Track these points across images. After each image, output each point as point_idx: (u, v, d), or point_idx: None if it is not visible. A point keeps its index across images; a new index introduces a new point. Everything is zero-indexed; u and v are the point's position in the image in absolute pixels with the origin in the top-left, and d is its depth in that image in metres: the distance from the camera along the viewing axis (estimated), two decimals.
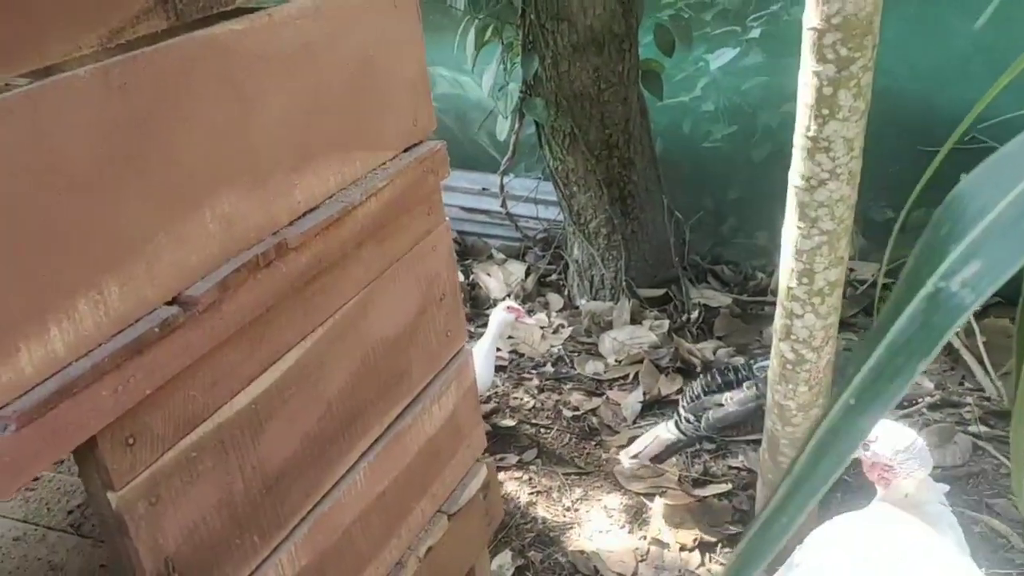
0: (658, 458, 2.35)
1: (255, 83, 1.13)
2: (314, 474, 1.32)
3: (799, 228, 1.49)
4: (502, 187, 3.40)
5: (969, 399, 2.58)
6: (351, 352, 1.38)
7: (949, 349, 2.80)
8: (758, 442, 2.33)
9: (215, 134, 1.08)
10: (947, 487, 1.58)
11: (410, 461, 1.53)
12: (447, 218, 1.60)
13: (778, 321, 1.66)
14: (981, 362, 2.67)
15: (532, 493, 2.44)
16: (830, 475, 0.44)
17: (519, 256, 3.61)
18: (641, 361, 2.88)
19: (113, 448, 1.00)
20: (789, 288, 1.59)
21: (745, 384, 2.27)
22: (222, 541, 1.16)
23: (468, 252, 3.69)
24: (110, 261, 0.96)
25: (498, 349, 2.89)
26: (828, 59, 1.33)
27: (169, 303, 1.04)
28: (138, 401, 1.01)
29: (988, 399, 2.59)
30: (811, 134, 1.40)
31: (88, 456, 1.00)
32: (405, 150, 1.46)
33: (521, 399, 2.81)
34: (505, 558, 2.19)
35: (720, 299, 3.17)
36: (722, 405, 2.27)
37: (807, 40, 1.35)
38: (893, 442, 1.51)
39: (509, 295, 3.30)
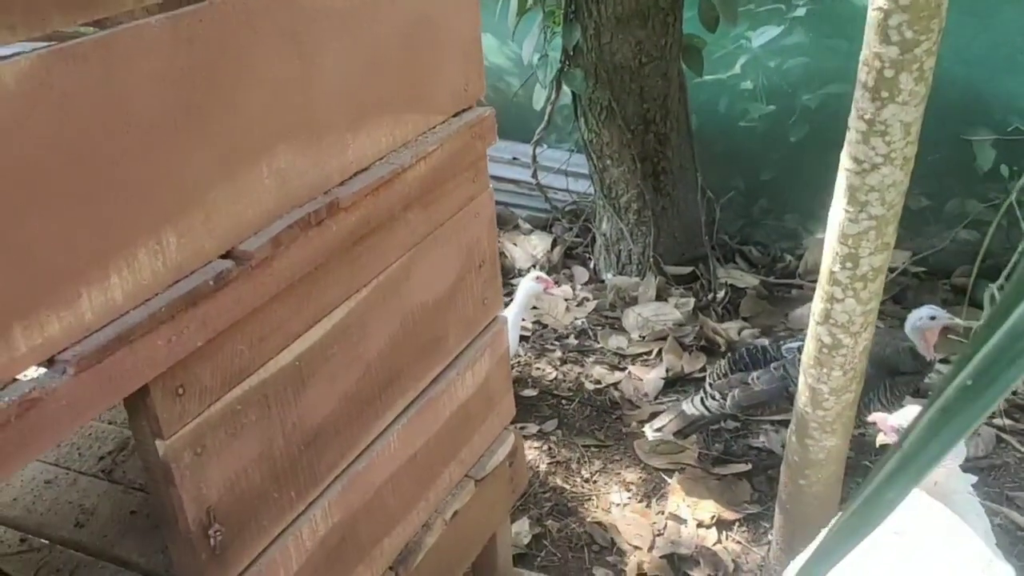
0: (681, 432, 2.35)
1: (316, 37, 1.12)
2: (351, 433, 1.33)
3: (847, 212, 1.48)
4: (534, 157, 3.37)
5: None
6: (392, 314, 1.38)
7: None
8: (781, 423, 2.34)
9: (275, 88, 1.07)
10: (975, 477, 1.58)
11: (442, 425, 1.54)
12: (491, 186, 1.60)
13: (817, 304, 1.65)
14: None
15: (551, 463, 2.45)
16: (940, 455, 0.44)
17: (546, 227, 3.60)
18: (665, 338, 2.87)
19: (164, 397, 1.01)
20: (831, 272, 1.58)
21: (772, 365, 2.27)
22: (261, 494, 1.17)
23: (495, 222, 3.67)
24: (171, 211, 0.96)
25: (523, 319, 2.89)
26: (892, 40, 1.30)
27: (224, 256, 1.04)
28: (190, 352, 1.01)
29: (1015, 393, 2.57)
30: (868, 116, 1.38)
31: (139, 404, 1.01)
32: (455, 115, 1.45)
33: (543, 370, 2.81)
34: (523, 525, 2.20)
35: (747, 280, 3.15)
36: (748, 384, 2.26)
37: (871, 20, 1.33)
38: None
39: (535, 266, 3.29)
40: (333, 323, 1.26)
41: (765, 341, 2.39)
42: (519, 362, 2.82)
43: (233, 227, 1.06)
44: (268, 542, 1.19)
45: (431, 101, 1.39)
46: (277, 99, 1.08)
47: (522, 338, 2.86)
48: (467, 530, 1.65)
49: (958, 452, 1.52)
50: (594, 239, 3.34)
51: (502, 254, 3.41)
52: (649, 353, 2.86)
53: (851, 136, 1.45)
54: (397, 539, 1.46)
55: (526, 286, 2.51)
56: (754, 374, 2.27)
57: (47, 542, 1.62)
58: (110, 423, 1.82)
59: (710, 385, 2.34)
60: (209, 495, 1.08)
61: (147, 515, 1.51)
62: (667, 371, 2.74)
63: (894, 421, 1.55)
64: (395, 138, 1.32)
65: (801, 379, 1.79)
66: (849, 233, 1.50)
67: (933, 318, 2.14)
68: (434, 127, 1.41)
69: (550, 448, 2.50)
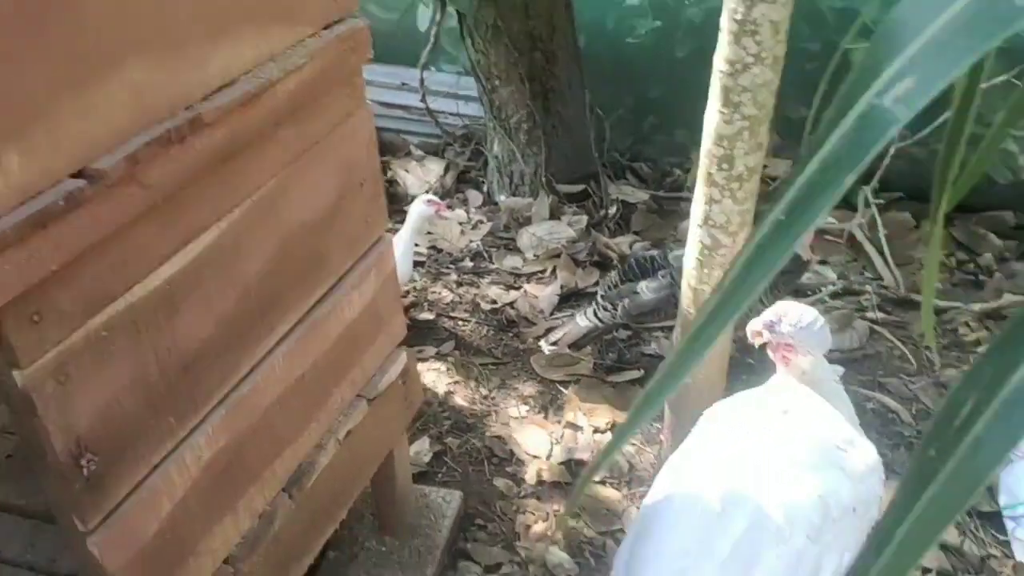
0: (576, 345, 2.40)
1: None
2: (231, 357, 1.30)
3: (721, 113, 1.51)
4: (422, 81, 3.31)
5: (869, 288, 2.71)
6: (269, 235, 1.35)
7: (852, 242, 2.92)
8: (671, 329, 2.42)
9: None
10: (842, 369, 1.67)
11: (329, 347, 1.52)
12: (369, 102, 1.56)
13: (696, 208, 1.70)
14: (881, 253, 2.80)
15: (450, 383, 2.47)
16: (758, 287, 0.46)
17: (438, 153, 3.56)
18: (559, 255, 2.91)
19: (18, 324, 0.96)
20: (709, 174, 1.62)
21: (660, 272, 2.33)
22: (136, 422, 1.14)
23: (386, 148, 3.61)
24: (9, 129, 0.91)
25: (416, 244, 2.87)
26: None
27: (75, 175, 0.99)
28: (44, 277, 0.97)
29: (886, 288, 2.72)
30: (739, 17, 1.40)
31: None
32: (326, 27, 1.40)
33: (439, 293, 2.82)
34: (423, 444, 2.23)
35: (638, 195, 3.20)
36: (637, 293, 2.32)
37: None
38: (795, 319, 1.58)
39: (428, 191, 3.26)
40: (204, 245, 1.22)
41: (654, 251, 2.44)
42: (415, 287, 2.82)
43: (83, 145, 1.00)
44: (148, 470, 1.17)
45: (300, 12, 1.34)
46: (126, 6, 1.02)
47: (417, 263, 2.85)
48: (362, 449, 1.66)
49: (824, 340, 1.60)
50: (486, 162, 3.33)
51: (394, 181, 3.37)
52: (544, 271, 2.90)
53: (723, 38, 1.47)
54: (289, 461, 1.46)
55: (417, 209, 2.49)
56: (643, 283, 2.33)
57: None
58: None
59: (602, 296, 2.40)
60: (78, 424, 1.05)
61: (24, 457, 1.46)
62: (561, 287, 2.78)
63: (757, 324, 1.62)
64: (261, 51, 1.27)
65: (684, 281, 1.84)
66: (724, 134, 1.53)
67: None
68: (303, 40, 1.36)
69: (448, 369, 2.52)
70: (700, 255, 1.76)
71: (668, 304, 2.32)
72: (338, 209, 1.50)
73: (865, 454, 1.52)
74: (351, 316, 1.57)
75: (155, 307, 1.15)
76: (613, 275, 2.42)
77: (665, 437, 2.16)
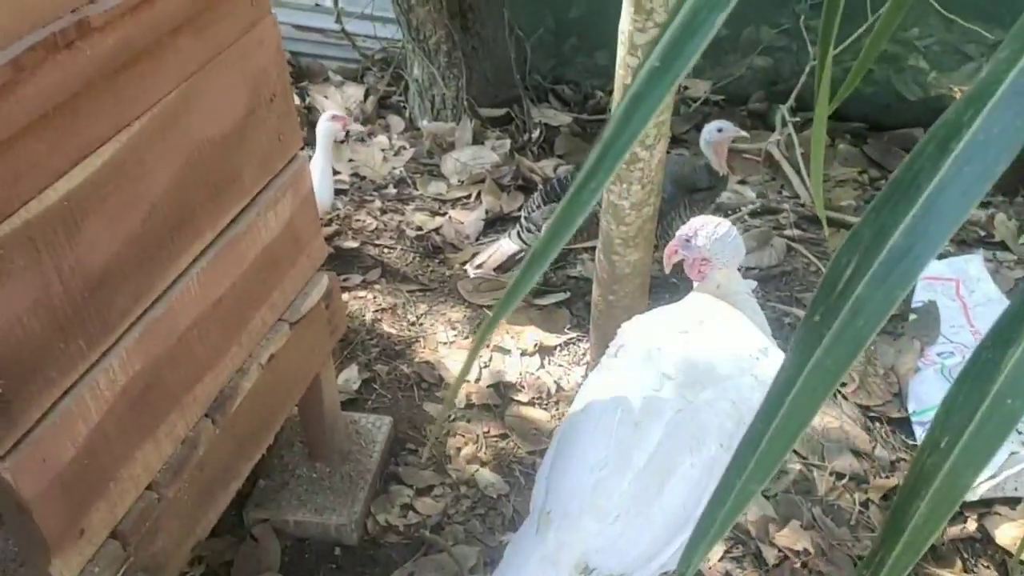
0: (502, 268, 2.40)
1: None
2: (142, 278, 1.26)
3: (635, 21, 1.49)
4: (336, 1, 3.20)
5: (786, 206, 2.76)
6: (174, 151, 1.29)
7: (770, 160, 2.96)
8: (595, 250, 2.43)
9: None
10: (755, 283, 1.71)
11: (247, 269, 1.48)
12: (274, 12, 1.49)
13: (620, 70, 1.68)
14: (799, 172, 2.85)
15: (377, 311, 2.45)
16: (636, 134, 0.46)
17: (357, 78, 3.46)
18: (483, 180, 2.88)
19: None
20: (624, 86, 1.60)
21: None
22: (43, 345, 1.10)
23: (303, 74, 3.50)
24: None
25: (337, 172, 2.81)
26: None
27: None
28: None
29: (803, 206, 2.78)
30: None
31: None
32: None
33: (363, 221, 2.77)
34: (352, 372, 2.22)
35: (561, 118, 3.18)
36: None
37: None
38: (710, 232, 1.60)
39: (350, 117, 3.17)
40: (104, 160, 1.16)
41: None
42: (338, 215, 2.77)
43: None
44: (60, 394, 1.13)
45: None
46: None
47: (339, 191, 2.80)
48: (285, 373, 1.64)
49: (738, 252, 1.62)
50: (407, 87, 3.26)
51: (313, 108, 3.27)
52: (468, 196, 2.87)
53: None
54: (210, 385, 1.43)
55: (323, 127, 2.43)
56: None
57: None
58: None
59: (526, 218, 2.39)
60: None
61: None
62: (486, 212, 2.76)
63: (673, 243, 1.64)
64: None
65: (604, 198, 1.85)
66: (638, 43, 1.52)
67: (720, 130, 2.24)
68: None
69: (375, 296, 2.49)
70: (618, 170, 1.76)
71: (590, 224, 2.33)
72: (247, 125, 1.45)
73: (777, 361, 1.55)
74: (268, 237, 1.53)
75: (54, 224, 1.09)
76: (536, 196, 2.41)
77: (590, 356, 2.19)
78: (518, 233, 2.38)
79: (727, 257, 1.62)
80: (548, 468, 1.54)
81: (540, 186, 2.43)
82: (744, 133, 2.25)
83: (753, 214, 2.76)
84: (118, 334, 1.22)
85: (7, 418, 1.06)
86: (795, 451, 1.94)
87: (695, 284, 1.69)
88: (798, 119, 2.97)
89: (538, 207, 2.37)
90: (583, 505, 1.38)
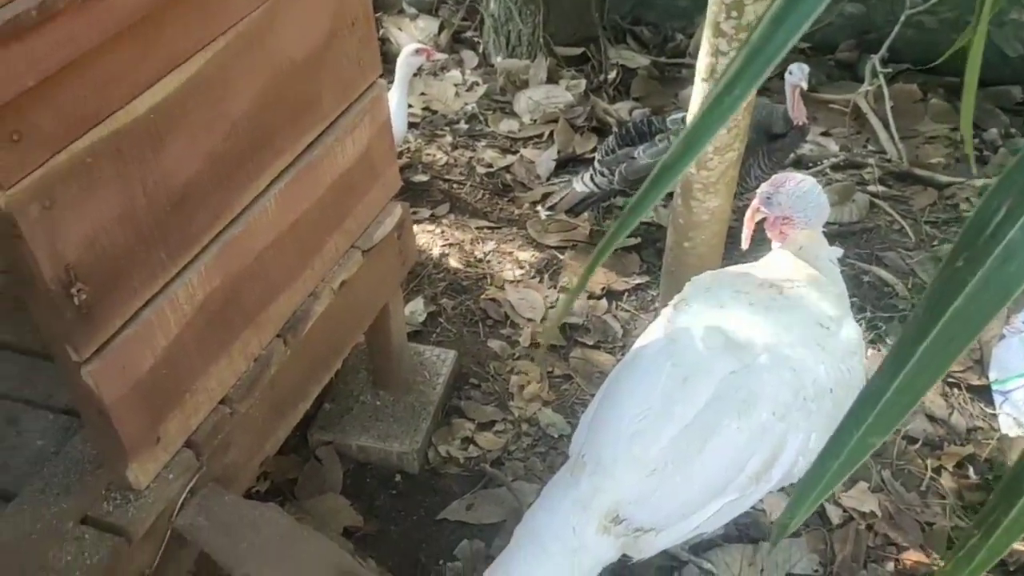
0: (572, 210, 2.37)
1: None
2: (222, 196, 1.26)
3: None
4: None
5: (871, 160, 2.66)
6: (257, 70, 1.29)
7: (857, 113, 2.85)
8: (669, 195, 2.38)
9: None
10: (840, 250, 1.63)
11: (323, 193, 1.48)
12: None
13: (702, 60, 1.63)
14: (887, 126, 2.73)
15: (444, 246, 2.45)
16: (791, 37, 0.42)
17: (432, 11, 3.41)
18: (556, 120, 2.83)
19: None
20: (717, 24, 1.54)
21: (657, 137, 2.27)
22: (127, 254, 1.11)
23: (378, 5, 3.46)
24: None
25: (409, 106, 2.79)
26: None
27: None
28: (21, 92, 0.92)
29: (889, 161, 2.68)
30: None
31: None
32: None
33: (434, 155, 2.75)
34: (417, 305, 2.22)
35: (638, 60, 3.10)
36: (634, 158, 2.27)
37: None
38: (792, 188, 1.53)
39: None
40: (188, 75, 1.16)
41: (653, 117, 2.37)
42: (409, 148, 2.76)
43: None
44: (141, 304, 1.15)
45: None
46: None
47: (411, 124, 2.78)
48: (356, 300, 1.65)
49: (821, 212, 1.56)
50: (482, 21, 3.20)
51: (387, 40, 3.24)
52: (541, 136, 2.83)
53: None
54: (283, 306, 1.44)
55: (405, 60, 2.40)
56: (640, 147, 2.28)
57: None
58: None
59: (599, 162, 2.34)
60: (66, 252, 1.02)
61: (13, 296, 1.44)
62: (558, 152, 2.72)
63: (755, 203, 1.58)
64: None
65: None
66: None
67: (791, 73, 2.14)
68: None
69: (443, 231, 2.49)
70: None
71: None
72: (329, 48, 1.43)
73: (849, 336, 1.46)
74: (345, 163, 1.53)
75: (140, 136, 1.10)
76: (610, 140, 2.36)
77: (660, 303, 2.16)
78: (591, 176, 2.33)
79: (810, 217, 1.55)
80: (592, 412, 1.52)
81: (615, 129, 2.37)
82: (803, 85, 2.13)
83: (835, 167, 2.66)
84: (198, 249, 1.24)
85: (91, 324, 1.08)
86: None
87: (774, 245, 1.63)
88: (889, 71, 2.84)
89: (612, 151, 2.32)
90: (618, 453, 1.35)
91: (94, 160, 1.04)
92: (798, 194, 1.55)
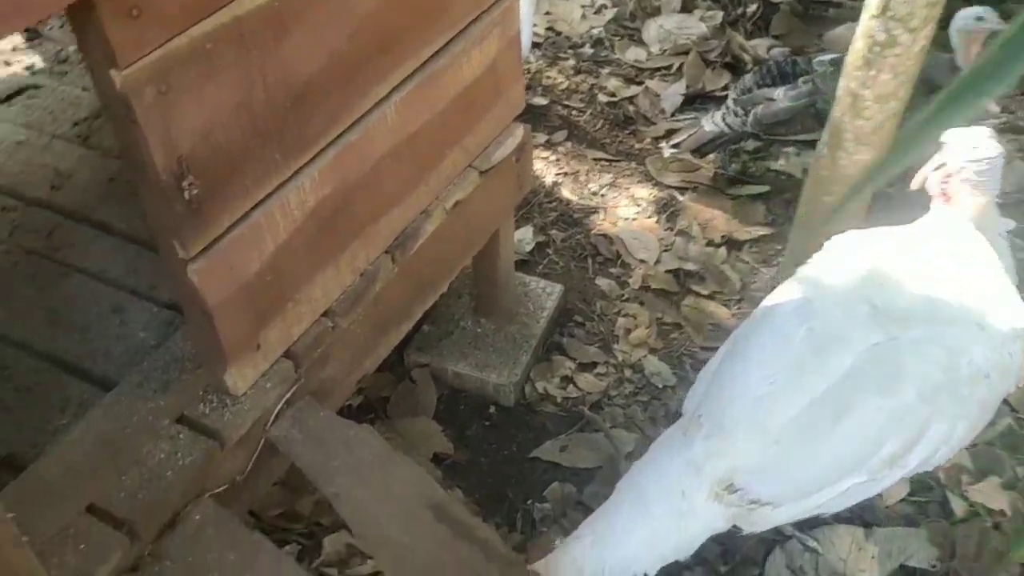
0: (698, 151, 2.22)
1: None
2: (342, 98, 1.19)
3: None
4: None
5: None
6: None
7: None
8: (805, 144, 2.20)
9: None
10: (1012, 222, 1.45)
11: (445, 106, 1.39)
12: None
13: None
14: None
15: (559, 175, 2.34)
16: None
17: None
18: (687, 53, 2.66)
19: (114, 16, 0.86)
20: None
21: (801, 79, 2.09)
22: (241, 151, 1.05)
23: None
24: None
25: (534, 24, 2.65)
26: None
27: None
28: None
29: None
30: None
31: (87, 25, 0.86)
32: None
33: (555, 79, 2.63)
34: (526, 233, 2.14)
35: None
36: (773, 100, 2.10)
37: None
38: (972, 148, 1.35)
39: None
40: None
41: (797, 57, 2.18)
42: (529, 68, 2.63)
43: None
44: (251, 205, 1.10)
45: None
46: None
47: (534, 44, 2.65)
48: (468, 222, 1.57)
49: (995, 180, 1.37)
50: None
51: None
52: (669, 68, 2.66)
53: None
54: (394, 221, 1.37)
55: None
56: (780, 89, 2.10)
57: (20, 202, 1.53)
58: (84, 89, 1.67)
59: (733, 100, 2.18)
60: (180, 142, 0.96)
61: (127, 181, 1.41)
62: (687, 87, 2.56)
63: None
64: None
65: (842, 83, 1.62)
66: None
67: (980, 19, 1.91)
68: None
69: (558, 159, 2.38)
70: (869, 52, 1.52)
71: (806, 115, 2.10)
72: None
73: (1015, 317, 1.29)
74: (470, 75, 1.43)
75: (263, 24, 1.02)
76: (748, 78, 2.19)
77: (786, 258, 2.00)
78: (722, 116, 2.17)
79: (985, 182, 1.36)
80: (713, 369, 1.42)
81: (755, 68, 2.19)
82: (1007, 27, 1.91)
83: (995, 130, 2.41)
84: (314, 152, 1.17)
85: (200, 220, 1.03)
86: (1007, 402, 1.72)
87: (934, 206, 1.44)
88: None
89: (749, 90, 2.15)
90: (739, 417, 1.25)
91: (214, 46, 0.97)
92: (977, 158, 1.36)
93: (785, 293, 1.42)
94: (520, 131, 1.62)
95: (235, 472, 1.16)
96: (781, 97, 2.09)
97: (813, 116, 2.09)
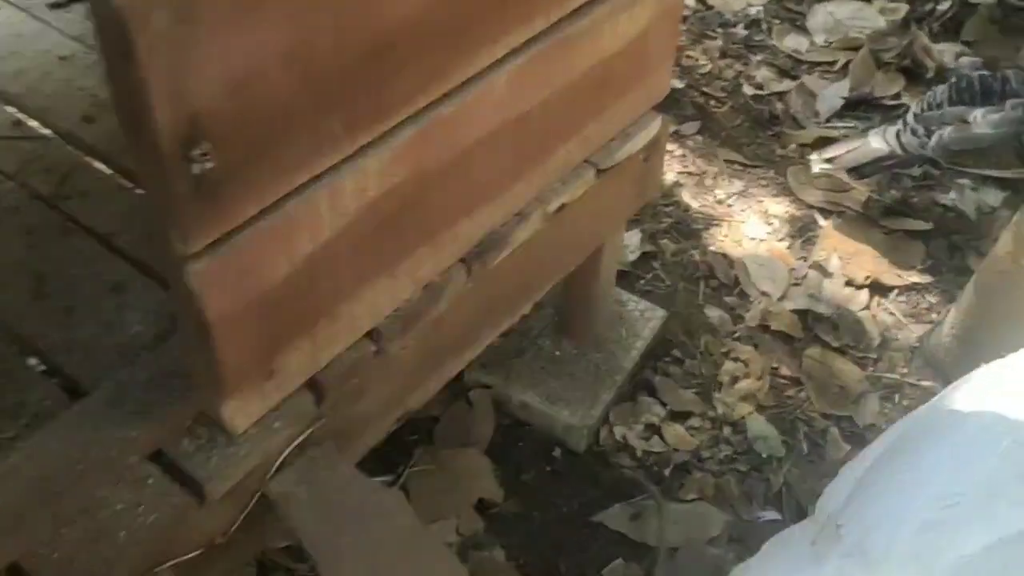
0: (858, 170, 1.84)
1: None
2: (441, 55, 0.87)
3: None
4: None
5: None
6: None
7: None
8: (999, 182, 1.81)
9: None
10: None
11: (572, 82, 1.06)
12: None
13: None
14: None
15: (682, 173, 1.98)
16: None
17: None
18: (857, 48, 2.25)
19: None
20: None
21: (1011, 102, 1.69)
22: (285, 114, 0.74)
23: None
24: None
25: None
26: None
27: None
28: None
29: None
30: None
31: None
32: None
33: (696, 60, 2.25)
34: (633, 238, 1.80)
35: None
36: (968, 123, 1.70)
37: None
38: None
39: None
40: None
41: (1009, 72, 1.77)
42: None
43: None
44: (288, 190, 0.79)
45: None
46: None
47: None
48: (571, 231, 1.24)
49: None
50: None
51: None
52: (832, 63, 2.26)
53: None
54: (478, 224, 1.05)
55: None
56: (979, 111, 1.70)
57: (46, 132, 1.28)
58: None
59: (915, 116, 1.78)
60: (195, 93, 0.66)
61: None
62: (850, 89, 2.15)
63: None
64: None
65: None
66: None
67: None
68: None
69: (684, 155, 2.02)
70: None
71: (1006, 147, 1.70)
72: None
73: None
74: (611, 47, 1.09)
75: None
76: (940, 91, 1.78)
77: (948, 320, 1.63)
78: (897, 133, 1.78)
79: None
80: (863, 468, 1.09)
81: (952, 80, 1.79)
82: None
83: None
84: (388, 126, 0.86)
85: (212, 206, 0.73)
86: None
87: None
88: None
89: (938, 105, 1.75)
90: (895, 543, 0.93)
91: None
92: None
93: (978, 386, 1.08)
94: (656, 123, 1.28)
95: (214, 532, 0.88)
96: (979, 121, 1.69)
97: (1016, 150, 1.69)
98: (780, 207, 1.92)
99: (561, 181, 1.16)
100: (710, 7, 2.40)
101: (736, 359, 1.63)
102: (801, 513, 1.40)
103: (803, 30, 2.35)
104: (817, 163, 1.87)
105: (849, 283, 1.78)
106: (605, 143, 1.21)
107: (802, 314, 1.72)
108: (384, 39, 0.79)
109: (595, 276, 1.43)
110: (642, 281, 1.75)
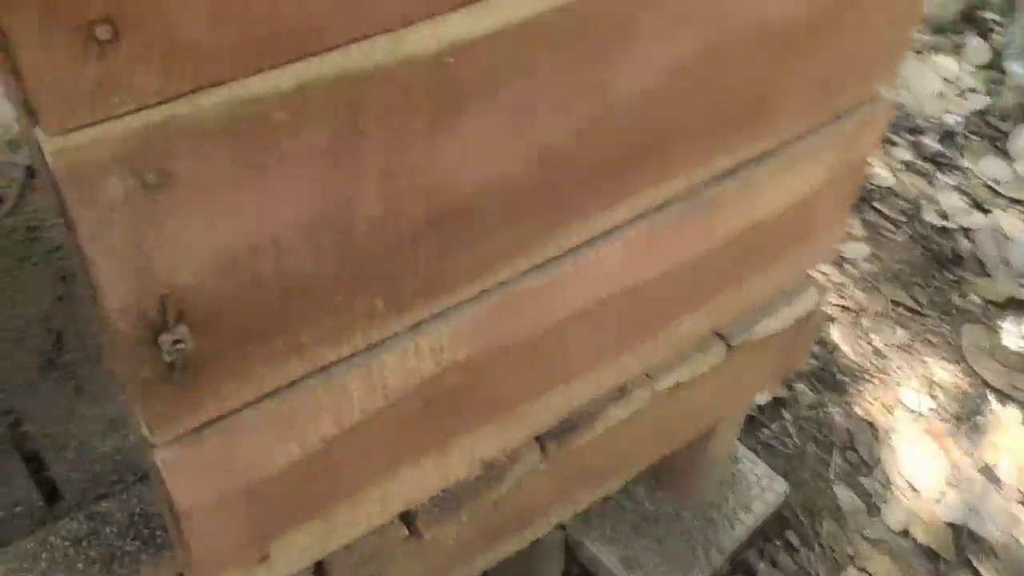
0: None
1: None
2: (534, 222, 0.66)
3: None
4: None
5: None
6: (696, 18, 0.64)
7: None
8: None
9: None
10: None
11: (709, 250, 0.83)
12: None
13: None
14: None
15: (836, 306, 1.70)
16: None
17: None
18: None
19: (39, 31, 0.38)
20: None
21: None
22: (304, 289, 0.56)
23: None
24: None
25: None
26: None
27: None
28: None
29: None
30: None
31: None
32: None
33: (876, 169, 1.95)
34: None
35: None
36: None
37: None
38: None
39: None
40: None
41: None
42: None
43: None
44: (301, 374, 0.61)
45: None
46: None
47: None
48: (682, 410, 1.01)
49: None
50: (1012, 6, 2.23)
51: None
52: None
53: None
54: (563, 399, 0.85)
55: None
56: None
57: None
58: None
59: None
60: (167, 271, 0.49)
61: None
62: None
63: None
64: None
65: None
66: None
67: None
68: None
69: (844, 283, 1.73)
70: None
71: None
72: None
73: None
74: (768, 212, 0.86)
75: (400, 85, 0.51)
76: None
77: None
78: None
79: None
80: None
81: None
82: None
83: None
84: (452, 302, 0.66)
85: (190, 390, 0.55)
86: None
87: None
88: None
89: None
90: None
91: (287, 115, 0.47)
92: None
93: None
94: (812, 294, 1.03)
95: None
96: None
97: None
98: (948, 375, 1.61)
99: (680, 356, 0.93)
100: (901, 106, 2.09)
101: (863, 569, 1.35)
102: None
103: (1005, 154, 2.01)
104: (1006, 332, 1.55)
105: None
106: (743, 315, 0.97)
107: (957, 530, 1.40)
108: (457, 205, 0.59)
109: (703, 452, 1.19)
110: (766, 431, 1.49)
